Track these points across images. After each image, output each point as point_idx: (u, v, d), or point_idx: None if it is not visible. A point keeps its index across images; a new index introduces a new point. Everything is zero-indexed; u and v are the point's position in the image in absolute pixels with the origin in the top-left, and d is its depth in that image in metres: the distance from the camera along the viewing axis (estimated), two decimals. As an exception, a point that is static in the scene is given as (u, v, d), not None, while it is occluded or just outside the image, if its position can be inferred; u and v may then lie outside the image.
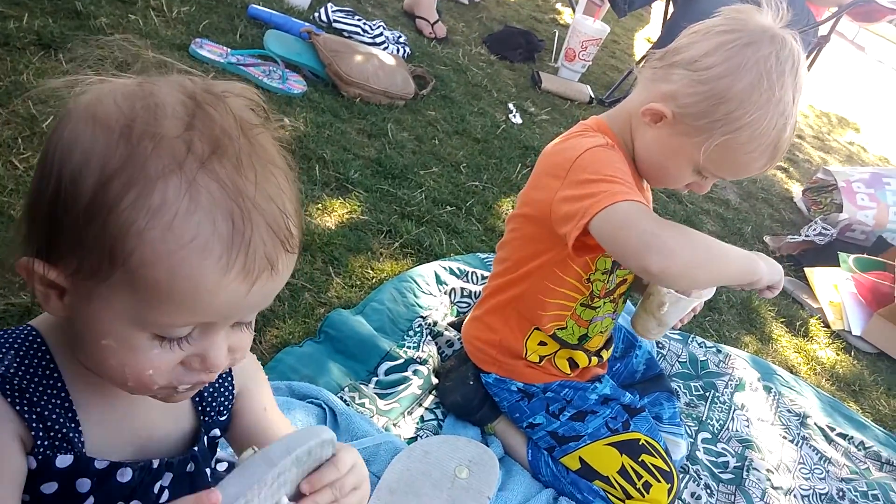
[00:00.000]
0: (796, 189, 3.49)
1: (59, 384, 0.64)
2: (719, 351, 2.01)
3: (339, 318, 1.52)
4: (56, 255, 0.57)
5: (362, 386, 1.42)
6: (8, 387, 0.61)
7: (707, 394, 1.87)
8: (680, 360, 1.95)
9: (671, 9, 3.34)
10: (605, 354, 1.45)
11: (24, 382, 0.62)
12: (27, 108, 1.69)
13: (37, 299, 0.61)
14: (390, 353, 1.50)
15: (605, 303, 1.35)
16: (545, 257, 1.29)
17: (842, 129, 5.25)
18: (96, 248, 0.55)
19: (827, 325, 2.43)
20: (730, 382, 1.93)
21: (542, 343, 1.36)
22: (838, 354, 2.32)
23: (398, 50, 2.91)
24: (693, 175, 1.22)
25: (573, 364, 1.39)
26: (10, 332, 0.65)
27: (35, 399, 0.62)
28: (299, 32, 2.54)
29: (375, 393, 1.42)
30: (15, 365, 0.62)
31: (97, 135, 0.56)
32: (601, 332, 1.39)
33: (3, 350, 0.63)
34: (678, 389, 1.83)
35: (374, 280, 1.74)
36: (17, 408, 0.61)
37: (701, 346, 2.01)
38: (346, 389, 1.40)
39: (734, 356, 2.02)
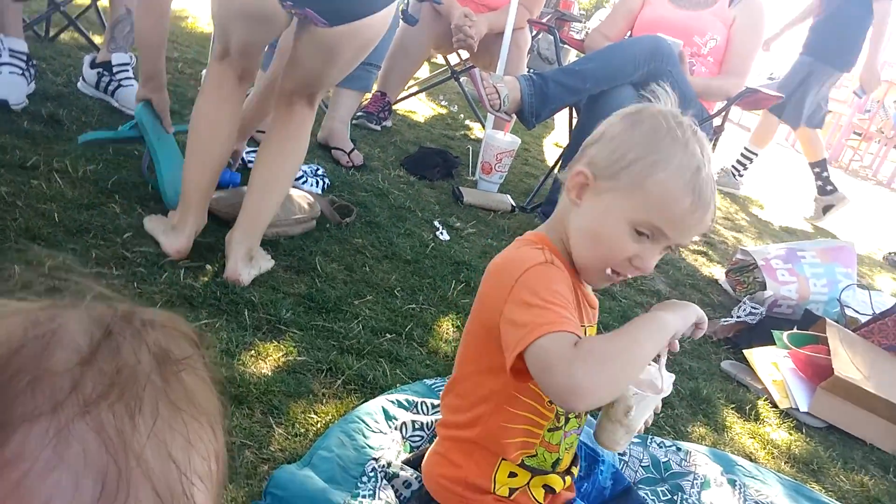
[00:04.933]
0: (719, 271, 3.60)
1: None
2: (679, 449, 1.98)
3: (285, 476, 1.41)
4: None
5: (319, 548, 1.31)
6: None
7: (675, 497, 1.82)
8: (643, 464, 1.90)
9: (575, 116, 3.51)
10: (574, 471, 1.39)
11: None
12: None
13: None
14: (345, 508, 1.39)
15: (570, 418, 1.31)
16: (501, 380, 1.24)
17: (748, 207, 5.53)
18: None
19: (775, 405, 2.44)
20: (695, 481, 1.88)
21: (512, 474, 1.29)
22: (791, 434, 2.32)
23: (317, 182, 2.92)
24: (632, 239, 1.19)
25: (549, 489, 1.32)
26: None
27: None
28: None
29: (334, 554, 1.31)
30: None
31: None
32: (567, 448, 1.34)
33: None
34: (646, 497, 1.77)
35: (318, 425, 1.65)
36: None
37: (661, 447, 1.97)
38: (302, 555, 1.28)
39: (694, 452, 1.98)
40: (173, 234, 2.10)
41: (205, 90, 2.14)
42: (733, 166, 5.73)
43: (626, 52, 3.06)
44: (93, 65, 3.04)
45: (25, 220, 1.96)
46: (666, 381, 1.26)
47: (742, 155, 5.67)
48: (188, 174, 2.14)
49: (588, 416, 1.40)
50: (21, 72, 2.71)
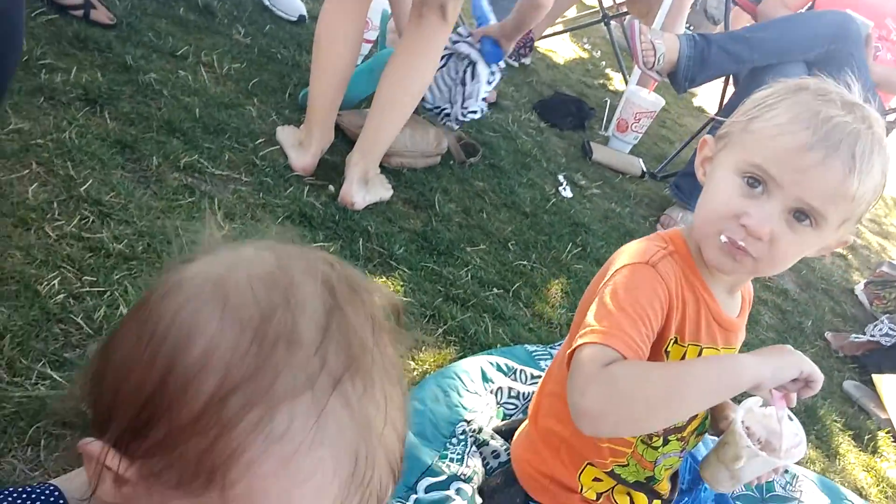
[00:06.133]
0: (857, 278, 3.31)
1: None
2: (786, 471, 1.84)
3: (377, 422, 1.39)
4: (136, 449, 0.48)
5: None
6: None
7: (771, 519, 1.70)
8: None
9: (731, 87, 3.24)
10: (672, 497, 1.30)
11: None
12: (66, 168, 1.61)
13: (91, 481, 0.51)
14: (432, 468, 1.36)
15: (669, 440, 1.20)
16: None
17: (897, 211, 5.07)
18: (193, 465, 0.46)
19: None
20: (796, 507, 1.76)
21: (596, 479, 1.22)
22: (909, 474, 2.13)
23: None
24: (740, 191, 1.01)
25: (633, 502, 1.24)
26: (34, 493, 0.56)
27: None
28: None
29: (413, 513, 1.28)
30: None
31: (226, 328, 0.47)
32: (666, 468, 1.24)
33: None
34: (740, 513, 1.66)
35: (415, 373, 1.62)
36: None
37: (764, 463, 1.84)
38: (382, 507, 1.27)
39: (801, 477, 1.84)
40: (301, 150, 2.08)
41: (326, 4, 2.04)
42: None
43: (807, 25, 2.76)
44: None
45: (168, 112, 1.98)
46: (788, 442, 1.09)
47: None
48: (313, 90, 2.08)
49: (699, 441, 1.29)
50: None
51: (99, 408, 0.51)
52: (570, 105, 3.54)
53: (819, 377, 1.06)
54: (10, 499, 0.54)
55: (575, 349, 1.00)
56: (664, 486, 1.26)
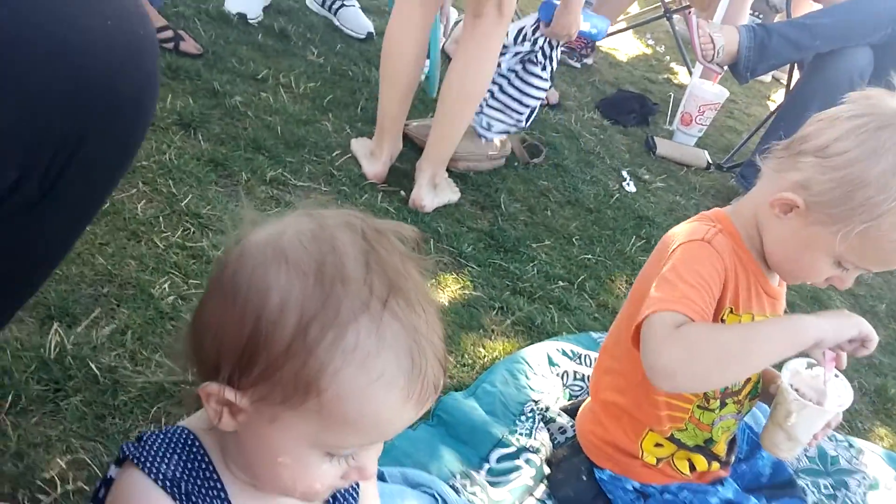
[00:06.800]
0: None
1: (219, 487, 0.70)
2: (851, 445, 1.87)
3: (452, 402, 1.53)
4: (244, 383, 0.62)
5: (474, 473, 1.41)
6: (177, 490, 0.66)
7: (837, 493, 1.74)
8: (808, 454, 1.82)
9: (795, 75, 3.23)
10: (730, 458, 1.38)
11: (190, 486, 0.68)
12: (168, 186, 1.82)
13: (211, 416, 0.66)
14: (503, 441, 1.49)
15: (726, 403, 1.29)
16: None
17: None
18: (292, 383, 0.60)
19: (974, 419, 2.21)
20: (863, 481, 1.79)
21: (658, 445, 1.31)
22: None
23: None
24: (832, 268, 1.15)
25: (692, 466, 1.33)
26: (168, 434, 0.72)
27: (200, 502, 0.67)
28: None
29: (487, 481, 1.41)
30: (181, 469, 0.68)
31: (293, 279, 0.61)
32: (724, 430, 1.33)
33: (169, 453, 0.68)
34: (806, 487, 1.71)
35: (485, 359, 1.74)
36: None
37: (832, 440, 1.88)
38: (458, 476, 1.40)
39: (868, 451, 1.87)
40: (373, 159, 2.24)
41: (393, 15, 2.16)
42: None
43: (869, 8, 2.74)
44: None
45: (254, 131, 2.18)
46: (834, 394, 1.18)
47: None
48: (381, 101, 2.22)
49: (753, 405, 1.36)
50: (258, -13, 2.93)
51: (205, 362, 0.66)
52: (633, 102, 3.59)
53: (875, 337, 1.15)
54: (153, 437, 0.70)
55: (644, 319, 1.10)
56: (721, 448, 1.34)
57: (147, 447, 0.68)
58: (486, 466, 1.44)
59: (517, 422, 1.55)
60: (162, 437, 0.70)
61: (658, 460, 1.32)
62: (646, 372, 1.09)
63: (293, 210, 0.69)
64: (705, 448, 1.32)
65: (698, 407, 1.27)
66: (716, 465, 1.35)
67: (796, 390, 1.18)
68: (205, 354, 0.66)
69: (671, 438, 1.30)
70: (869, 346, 1.15)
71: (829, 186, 1.08)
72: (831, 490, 1.75)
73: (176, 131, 2.04)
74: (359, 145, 2.31)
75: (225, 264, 0.66)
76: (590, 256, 2.31)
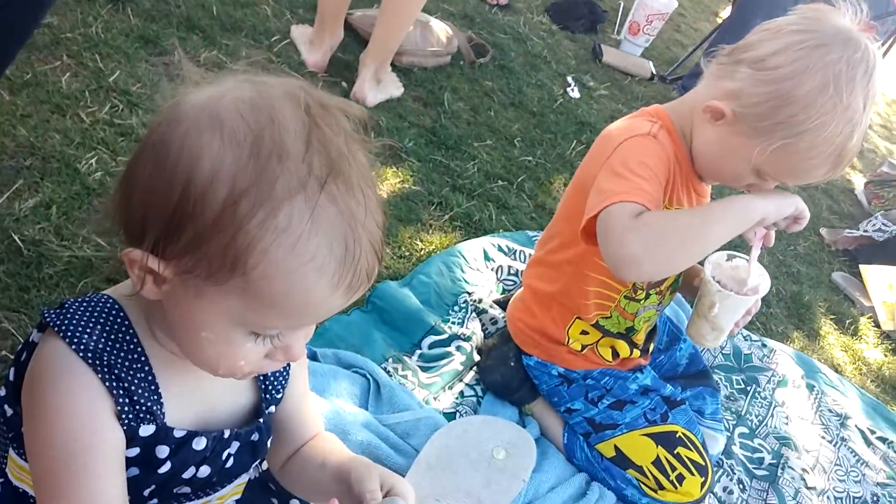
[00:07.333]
0: (858, 180, 3.38)
1: (143, 359, 0.68)
2: (764, 345, 1.99)
3: (386, 290, 1.54)
4: (170, 252, 0.59)
5: (406, 358, 1.45)
6: (99, 363, 0.64)
7: (748, 388, 1.86)
8: (723, 352, 1.93)
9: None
10: (650, 346, 1.45)
11: (113, 358, 0.65)
12: (94, 61, 1.72)
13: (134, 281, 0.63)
14: (435, 328, 1.52)
15: (650, 294, 1.34)
16: (583, 246, 1.27)
17: (912, 117, 5.05)
18: (218, 257, 0.57)
19: (877, 325, 2.37)
20: (772, 378, 1.91)
21: (584, 332, 1.37)
22: (886, 356, 2.27)
23: None
24: (752, 176, 1.18)
25: (615, 353, 1.39)
26: (91, 302, 0.68)
27: (122, 374, 0.66)
28: None
29: (418, 366, 1.45)
30: (103, 340, 0.66)
31: (226, 148, 0.57)
32: (645, 321, 1.39)
33: (91, 323, 0.66)
34: (719, 382, 1.82)
35: (422, 252, 1.76)
36: (107, 384, 0.65)
37: (746, 340, 1.99)
38: (390, 360, 1.43)
39: (779, 351, 1.99)
40: (313, 48, 2.16)
41: None
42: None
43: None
44: None
45: (187, 9, 2.07)
46: (755, 280, 1.23)
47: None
48: None
49: (672, 298, 1.42)
50: None
51: (131, 225, 0.62)
52: (583, 7, 3.54)
53: (807, 215, 1.21)
54: (75, 304, 0.67)
55: (600, 212, 1.11)
56: (640, 337, 1.40)
57: (69, 316, 0.66)
58: (418, 352, 1.48)
59: (450, 311, 1.59)
60: (84, 305, 0.68)
61: (583, 347, 1.38)
62: (608, 262, 1.11)
63: (234, 73, 0.64)
64: (626, 335, 1.38)
65: (625, 297, 1.32)
66: (636, 352, 1.41)
67: (718, 282, 1.23)
68: (132, 216, 0.62)
69: (596, 325, 1.35)
70: (801, 223, 1.22)
71: (758, 100, 1.11)
72: (743, 385, 1.87)
73: (103, 4, 1.92)
74: (298, 32, 2.23)
75: (158, 121, 0.62)
76: (530, 158, 2.31)
